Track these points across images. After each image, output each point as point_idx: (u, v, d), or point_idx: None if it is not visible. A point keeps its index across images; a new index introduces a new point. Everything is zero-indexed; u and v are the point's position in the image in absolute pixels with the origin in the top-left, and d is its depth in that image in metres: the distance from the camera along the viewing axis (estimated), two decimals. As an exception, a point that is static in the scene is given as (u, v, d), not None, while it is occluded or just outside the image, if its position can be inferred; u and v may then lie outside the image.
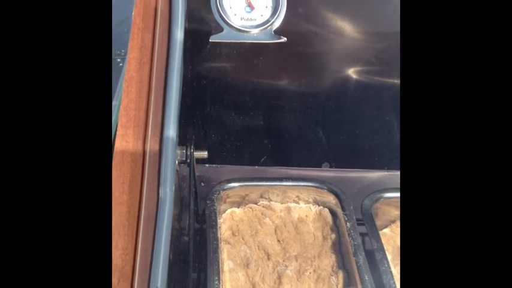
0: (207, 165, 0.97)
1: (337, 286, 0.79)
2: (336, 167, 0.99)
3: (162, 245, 0.57)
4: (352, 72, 0.89)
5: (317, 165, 0.98)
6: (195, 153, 0.75)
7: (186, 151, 0.73)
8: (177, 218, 0.77)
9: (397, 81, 0.89)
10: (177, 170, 0.74)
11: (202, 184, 0.96)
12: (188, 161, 0.74)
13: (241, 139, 0.94)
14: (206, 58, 0.84)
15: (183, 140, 0.70)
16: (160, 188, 0.60)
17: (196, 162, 0.84)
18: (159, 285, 0.55)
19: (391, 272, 0.77)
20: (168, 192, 0.60)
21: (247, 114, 0.91)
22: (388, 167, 0.99)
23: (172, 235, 0.62)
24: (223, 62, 0.85)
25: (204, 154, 0.77)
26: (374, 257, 0.79)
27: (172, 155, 0.61)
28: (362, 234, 0.83)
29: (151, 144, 0.62)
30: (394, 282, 0.76)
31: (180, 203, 0.81)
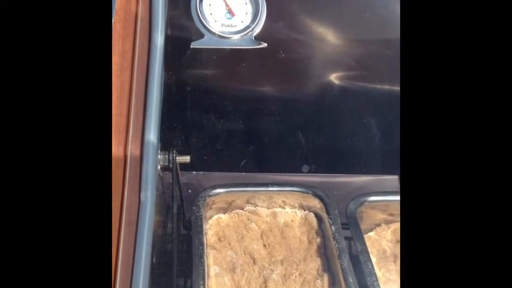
0: (194, 172, 0.98)
1: (322, 289, 0.79)
2: (315, 170, 1.00)
3: (144, 248, 0.58)
4: (332, 77, 0.90)
5: (297, 167, 0.99)
6: (177, 158, 0.75)
7: (169, 156, 0.73)
8: (161, 224, 0.77)
9: (378, 85, 0.90)
10: (161, 177, 0.75)
11: (190, 191, 0.96)
12: (171, 166, 0.74)
13: (222, 143, 0.95)
14: (187, 64, 0.84)
15: (165, 145, 0.70)
16: (141, 192, 0.61)
17: (182, 169, 0.84)
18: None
19: (375, 273, 0.77)
20: (149, 196, 0.60)
21: (228, 118, 0.91)
22: (366, 168, 1.00)
23: (155, 240, 0.63)
24: (204, 68, 0.86)
25: (187, 159, 0.78)
26: (358, 259, 0.80)
27: (153, 159, 0.62)
28: (347, 238, 0.84)
29: (133, 149, 0.62)
30: (378, 284, 0.76)
31: (165, 209, 0.81)
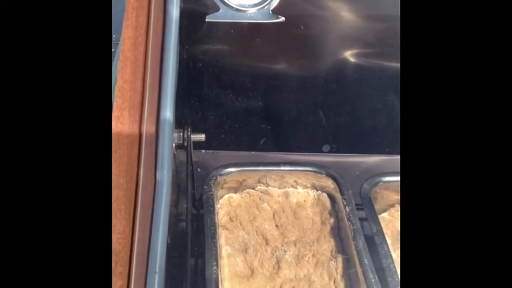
0: (204, 150, 0.96)
1: (336, 270, 0.78)
2: (336, 149, 0.98)
3: (160, 229, 0.56)
4: (351, 54, 0.88)
5: (318, 147, 0.97)
6: (192, 136, 0.73)
7: (183, 134, 0.71)
8: (174, 203, 0.76)
9: (397, 62, 0.88)
10: (174, 155, 0.73)
11: (199, 170, 0.94)
12: (185, 144, 0.72)
13: (239, 121, 0.93)
14: (202, 38, 0.82)
15: (179, 122, 0.68)
16: (157, 171, 0.59)
17: (194, 148, 0.82)
18: (157, 270, 0.54)
19: (391, 255, 0.76)
20: (165, 175, 0.59)
21: (246, 95, 0.89)
22: (389, 148, 0.98)
23: (170, 220, 0.61)
24: (219, 43, 0.83)
25: (202, 137, 0.76)
26: (373, 241, 0.79)
27: (169, 137, 0.60)
28: (361, 219, 0.82)
29: (148, 126, 0.60)
30: (394, 266, 0.75)
31: (177, 188, 0.80)
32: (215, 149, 0.96)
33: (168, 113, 0.60)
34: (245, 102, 0.90)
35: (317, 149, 0.97)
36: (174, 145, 0.66)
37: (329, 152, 0.98)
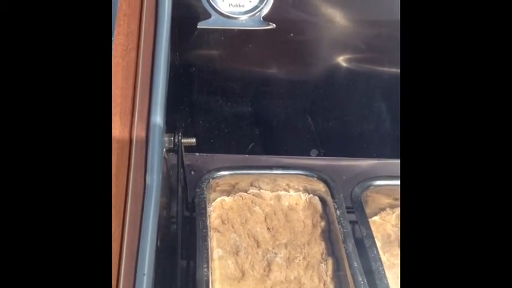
0: (197, 154, 0.97)
1: (326, 273, 0.79)
2: (324, 154, 0.99)
3: (149, 231, 0.57)
4: (341, 60, 0.89)
5: (306, 151, 0.98)
6: (182, 140, 0.75)
7: (174, 138, 0.72)
8: (166, 206, 0.77)
9: (387, 68, 0.89)
10: (165, 158, 0.74)
11: (193, 173, 0.96)
12: (176, 148, 0.73)
13: (229, 126, 0.94)
14: (194, 45, 0.83)
15: (170, 127, 0.70)
16: (147, 175, 0.60)
17: (185, 151, 0.84)
18: (145, 272, 0.55)
19: (380, 258, 0.77)
20: (155, 179, 0.60)
21: (235, 101, 0.90)
22: (377, 153, 0.99)
23: (160, 223, 0.62)
24: (211, 49, 0.84)
25: (192, 141, 0.77)
26: (363, 244, 0.80)
27: (159, 142, 0.61)
28: (352, 222, 0.83)
29: (138, 132, 0.61)
30: (384, 269, 0.76)
31: (169, 191, 0.81)
32: (207, 152, 0.97)
33: (158, 118, 0.62)
34: (235, 108, 0.91)
35: (305, 154, 0.98)
36: (164, 149, 0.67)
37: (317, 156, 0.99)
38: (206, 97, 0.89)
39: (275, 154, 0.98)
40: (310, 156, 0.98)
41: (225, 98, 0.90)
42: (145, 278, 0.55)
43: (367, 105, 0.94)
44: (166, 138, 0.67)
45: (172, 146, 0.72)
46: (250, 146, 0.96)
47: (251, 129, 0.95)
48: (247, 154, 0.98)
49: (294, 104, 0.93)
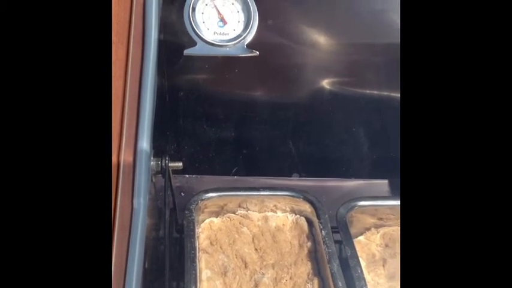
0: (187, 175, 0.99)
1: (312, 293, 0.80)
2: (305, 177, 1.01)
3: (136, 253, 0.59)
4: (322, 84, 0.92)
5: (287, 175, 1.00)
6: (169, 164, 0.76)
7: (161, 162, 0.74)
8: (154, 228, 0.78)
9: (367, 91, 0.91)
10: (153, 182, 0.76)
11: (183, 194, 0.97)
12: (163, 172, 0.75)
13: (213, 150, 0.96)
14: (180, 70, 0.85)
15: (157, 152, 0.72)
16: (134, 199, 0.62)
17: (174, 173, 0.85)
18: (132, 293, 0.57)
19: (364, 278, 0.79)
20: (142, 202, 0.61)
21: (219, 126, 0.93)
22: (355, 176, 1.01)
23: (147, 244, 0.64)
24: (196, 75, 0.87)
25: (179, 165, 0.79)
26: (348, 264, 0.81)
27: (146, 166, 0.63)
28: (337, 242, 0.85)
29: (126, 156, 0.63)
30: (368, 288, 0.78)
31: (157, 213, 0.82)
32: (197, 174, 0.99)
33: (145, 143, 0.64)
34: (218, 133, 0.93)
35: (286, 176, 1.01)
36: (152, 173, 0.69)
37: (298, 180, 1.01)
38: (191, 123, 0.91)
39: (258, 179, 1.00)
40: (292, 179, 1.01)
41: (210, 123, 0.92)
42: (131, 299, 0.56)
43: (345, 130, 0.97)
44: (153, 163, 0.69)
45: (159, 170, 0.74)
46: (234, 169, 0.98)
47: (235, 153, 0.98)
48: (238, 175, 0.99)
49: (276, 130, 0.96)
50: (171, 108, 0.90)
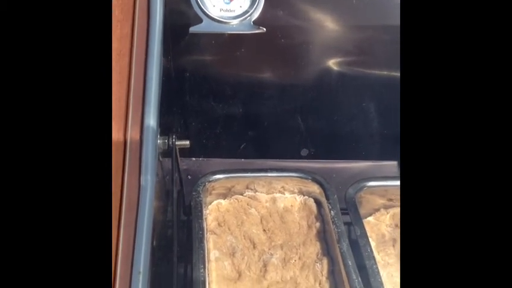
0: (194, 158, 0.98)
1: (321, 272, 0.80)
2: (314, 153, 1.00)
3: (144, 230, 0.58)
4: (330, 63, 0.90)
5: (296, 151, 0.99)
6: (176, 142, 0.76)
7: (168, 141, 0.74)
8: (162, 209, 0.78)
9: (376, 70, 0.90)
10: (160, 162, 0.75)
11: (189, 177, 0.97)
12: (170, 151, 0.75)
13: (221, 127, 0.95)
14: (186, 49, 0.84)
15: (164, 130, 0.71)
16: (141, 177, 0.61)
17: (181, 156, 0.85)
18: (141, 270, 0.56)
19: (373, 257, 0.78)
20: (149, 179, 0.61)
21: (227, 102, 0.92)
22: (365, 151, 1.00)
23: (155, 224, 0.63)
24: (202, 53, 0.86)
25: (186, 143, 0.78)
26: (358, 243, 0.80)
27: (152, 144, 0.62)
28: (346, 223, 0.84)
29: (132, 134, 0.63)
30: (377, 267, 0.77)
31: (165, 195, 0.82)
32: (202, 156, 0.98)
33: (151, 120, 0.63)
34: (226, 109, 0.92)
35: (295, 153, 1.00)
36: (159, 151, 0.68)
37: (307, 156, 1.00)
38: (198, 100, 0.91)
39: (267, 154, 0.99)
40: (301, 155, 1.00)
41: (217, 100, 0.92)
42: (140, 276, 0.56)
43: (355, 105, 0.95)
44: (160, 141, 0.69)
45: (166, 148, 0.73)
46: (242, 146, 0.98)
47: (243, 129, 0.97)
48: (239, 155, 0.99)
49: (284, 105, 0.94)
50: (178, 85, 0.89)
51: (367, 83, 0.92)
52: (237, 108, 0.93)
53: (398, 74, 0.93)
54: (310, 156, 1.01)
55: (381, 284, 0.74)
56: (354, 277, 0.74)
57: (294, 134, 0.98)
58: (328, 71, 0.91)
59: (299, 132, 0.98)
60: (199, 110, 0.92)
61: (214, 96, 0.91)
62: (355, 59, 0.90)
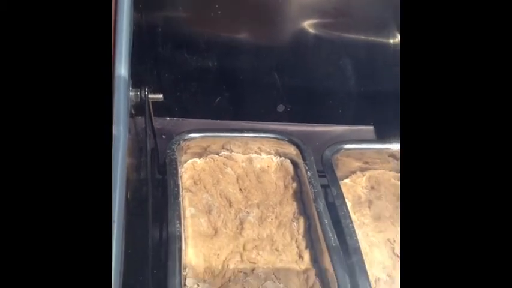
0: (168, 118, 0.96)
1: (298, 231, 0.79)
2: (291, 110, 0.99)
3: (118, 179, 0.57)
4: (308, 22, 0.89)
5: (273, 107, 0.98)
6: (150, 95, 0.74)
7: (141, 93, 0.72)
8: (136, 167, 0.76)
9: (353, 31, 0.89)
10: (134, 119, 0.74)
11: (164, 137, 0.95)
12: (143, 104, 0.73)
13: (195, 80, 0.93)
14: (158, 5, 0.82)
15: (136, 83, 0.69)
16: (113, 126, 0.60)
17: (155, 115, 0.83)
18: (115, 219, 0.55)
19: (349, 216, 0.78)
20: (121, 129, 0.59)
21: (202, 56, 0.90)
22: (342, 109, 1.00)
23: (129, 180, 0.62)
24: (176, 10, 0.83)
25: (159, 97, 0.76)
26: (334, 204, 0.80)
27: (124, 94, 0.61)
28: (323, 186, 0.84)
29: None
30: (353, 226, 0.77)
31: (139, 152, 0.80)
32: (176, 115, 0.96)
33: (122, 70, 0.61)
34: (200, 62, 0.90)
35: (271, 109, 0.99)
36: (131, 104, 0.66)
37: (283, 112, 0.99)
38: (171, 50, 0.88)
39: (242, 109, 0.98)
40: (277, 111, 0.99)
41: (191, 53, 0.89)
42: (115, 225, 0.55)
43: (332, 64, 0.94)
44: (132, 93, 0.67)
45: (139, 101, 0.71)
46: (217, 99, 0.96)
47: (218, 83, 0.95)
48: (215, 109, 0.97)
49: (260, 62, 0.93)
50: (150, 38, 0.86)
51: (344, 42, 0.92)
52: (211, 61, 0.91)
53: (375, 38, 0.93)
54: (287, 114, 1.00)
55: (357, 241, 0.75)
56: (330, 235, 0.74)
57: (270, 89, 0.97)
58: (306, 30, 0.90)
59: (275, 88, 0.97)
60: (172, 61, 0.89)
61: (188, 49, 0.89)
62: (333, 20, 0.90)
